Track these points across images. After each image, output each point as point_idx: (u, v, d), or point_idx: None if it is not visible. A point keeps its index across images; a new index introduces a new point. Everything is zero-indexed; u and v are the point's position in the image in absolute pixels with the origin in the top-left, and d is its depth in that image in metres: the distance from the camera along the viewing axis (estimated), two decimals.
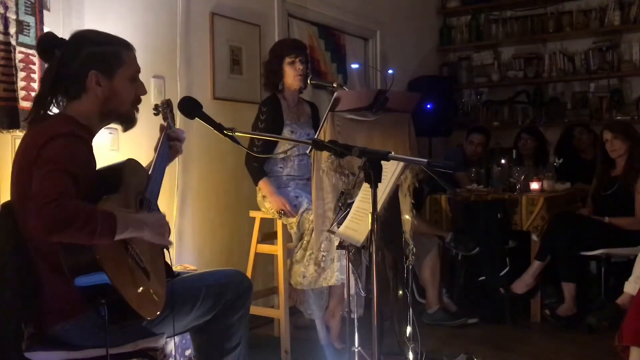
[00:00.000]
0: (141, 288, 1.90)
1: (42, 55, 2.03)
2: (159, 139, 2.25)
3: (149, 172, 2.14)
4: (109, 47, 2.02)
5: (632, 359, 2.61)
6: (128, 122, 2.09)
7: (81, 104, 1.99)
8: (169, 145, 2.27)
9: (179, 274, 2.25)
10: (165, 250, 2.10)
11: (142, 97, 2.11)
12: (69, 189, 1.72)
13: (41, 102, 2.00)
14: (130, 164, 2.04)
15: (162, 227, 1.97)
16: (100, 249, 1.73)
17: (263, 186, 3.47)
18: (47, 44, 2.01)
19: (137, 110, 2.11)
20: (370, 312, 2.01)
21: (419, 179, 3.27)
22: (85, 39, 2.02)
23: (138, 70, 2.08)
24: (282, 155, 3.50)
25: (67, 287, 1.86)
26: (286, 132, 3.49)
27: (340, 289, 3.39)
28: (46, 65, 2.04)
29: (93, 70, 1.96)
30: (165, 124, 2.28)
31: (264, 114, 3.49)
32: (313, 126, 3.63)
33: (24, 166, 1.87)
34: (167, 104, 2.32)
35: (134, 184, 2.02)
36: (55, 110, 2.05)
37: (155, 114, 2.30)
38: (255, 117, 3.53)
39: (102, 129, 2.11)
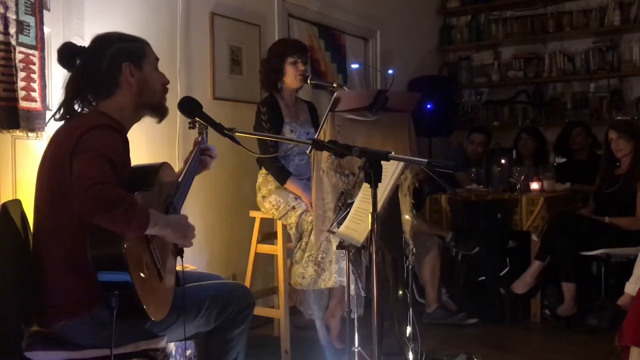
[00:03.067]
0: (153, 288, 1.93)
1: (64, 65, 2.08)
2: (192, 152, 2.37)
3: (179, 179, 2.23)
4: (131, 43, 2.12)
5: (632, 359, 2.61)
6: (162, 111, 2.18)
7: (115, 100, 2.06)
8: (200, 159, 2.37)
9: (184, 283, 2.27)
10: (179, 257, 2.14)
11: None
12: (111, 175, 1.80)
13: (68, 105, 2.06)
14: (166, 167, 2.13)
15: (185, 228, 2.01)
16: (127, 243, 1.79)
17: (291, 186, 3.43)
18: (68, 54, 2.07)
19: (165, 99, 2.20)
20: (370, 312, 2.01)
21: (419, 179, 3.27)
22: (108, 38, 2.10)
23: (157, 59, 2.18)
24: (282, 155, 3.50)
25: (75, 284, 1.90)
26: (286, 131, 3.49)
27: (340, 289, 3.39)
28: (68, 72, 2.09)
29: (125, 62, 2.05)
30: (199, 138, 2.38)
31: (266, 114, 3.48)
32: (312, 124, 3.63)
33: (59, 154, 1.93)
34: None
35: (165, 188, 2.10)
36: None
37: (191, 128, 2.38)
38: (257, 118, 3.52)
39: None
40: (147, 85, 2.11)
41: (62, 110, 2.07)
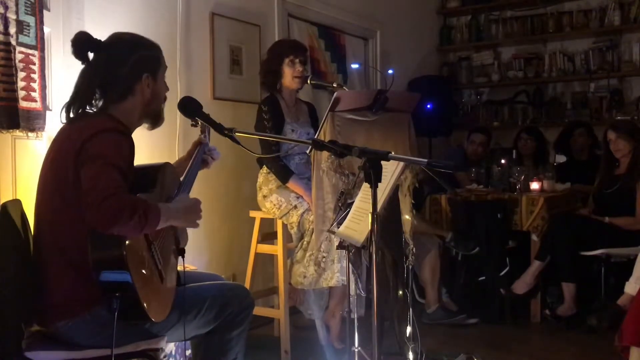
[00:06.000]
0: (154, 289, 1.93)
1: (78, 55, 2.06)
2: (195, 151, 2.38)
3: (181, 179, 2.23)
4: (152, 51, 2.12)
5: (632, 359, 2.61)
6: (160, 120, 2.21)
7: (125, 105, 2.06)
8: (203, 159, 2.38)
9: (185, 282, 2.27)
10: (180, 257, 2.16)
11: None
12: (122, 183, 1.80)
13: (82, 101, 2.04)
14: (168, 167, 2.14)
15: (195, 213, 2.06)
16: (128, 245, 1.79)
17: (293, 185, 3.42)
18: (83, 45, 2.05)
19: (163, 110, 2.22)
20: (370, 312, 2.01)
21: (419, 179, 3.27)
22: (132, 43, 2.09)
23: (166, 68, 2.20)
24: (283, 154, 3.50)
25: (76, 284, 1.90)
26: (287, 130, 3.49)
27: (341, 289, 3.39)
28: (83, 66, 2.07)
29: (146, 73, 2.06)
30: (202, 136, 2.38)
31: (267, 114, 3.47)
32: (312, 125, 3.63)
33: (63, 155, 1.93)
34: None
35: (167, 188, 2.10)
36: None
37: (194, 126, 2.37)
38: (258, 117, 3.51)
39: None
40: (157, 96, 2.13)
41: (76, 106, 2.03)
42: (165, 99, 2.20)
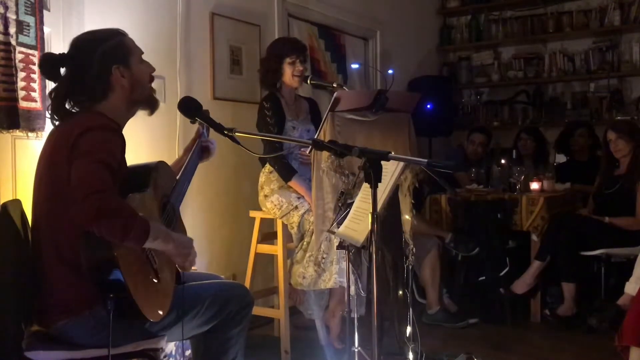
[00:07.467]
0: (150, 289, 1.92)
1: (48, 76, 2.09)
2: (193, 141, 2.37)
3: (177, 177, 2.21)
4: (112, 40, 2.08)
5: (632, 359, 2.61)
6: (153, 103, 2.18)
7: (110, 102, 2.06)
8: (201, 148, 2.36)
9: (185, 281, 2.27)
10: None
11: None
12: (111, 183, 1.79)
13: (59, 110, 2.06)
14: (162, 166, 2.13)
15: (187, 249, 1.98)
16: (119, 246, 1.78)
17: (295, 184, 3.41)
18: (50, 65, 2.06)
19: (154, 90, 2.19)
20: (370, 312, 2.01)
21: (419, 179, 3.27)
22: (90, 42, 2.08)
23: (142, 52, 2.16)
24: (285, 152, 3.49)
25: (75, 283, 1.90)
26: (288, 127, 3.49)
27: (341, 290, 3.39)
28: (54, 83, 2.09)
29: (114, 65, 2.04)
30: (200, 127, 2.36)
31: (270, 110, 3.47)
32: (312, 121, 3.62)
33: (57, 154, 1.93)
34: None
35: (161, 187, 2.09)
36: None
37: (193, 122, 2.34)
38: (260, 115, 3.51)
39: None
40: (138, 82, 2.11)
41: (56, 115, 2.07)
42: (151, 79, 2.18)
